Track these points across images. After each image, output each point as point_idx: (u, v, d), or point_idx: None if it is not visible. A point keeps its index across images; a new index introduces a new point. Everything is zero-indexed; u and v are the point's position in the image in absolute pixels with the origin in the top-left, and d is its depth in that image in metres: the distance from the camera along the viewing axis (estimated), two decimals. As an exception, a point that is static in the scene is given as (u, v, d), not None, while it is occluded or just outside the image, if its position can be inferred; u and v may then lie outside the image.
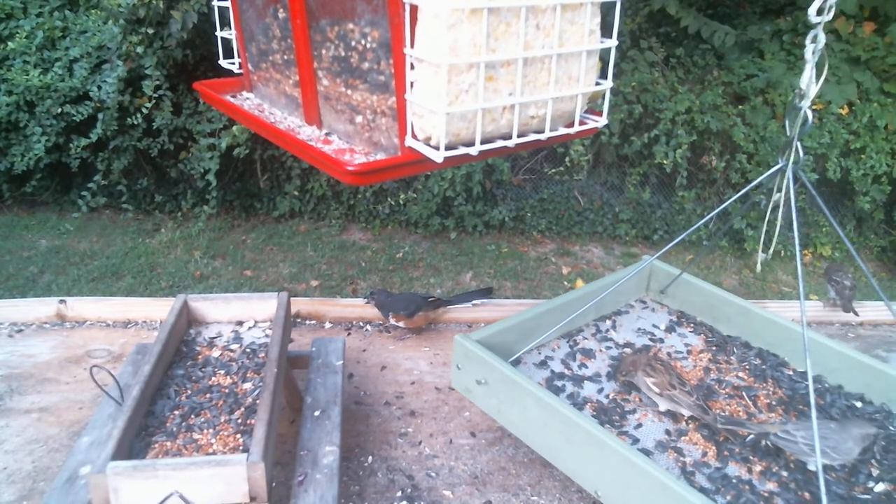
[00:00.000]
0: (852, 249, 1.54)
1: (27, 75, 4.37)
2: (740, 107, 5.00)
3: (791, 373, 1.98)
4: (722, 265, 4.97)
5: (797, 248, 1.46)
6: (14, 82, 4.34)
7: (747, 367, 1.99)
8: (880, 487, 1.55)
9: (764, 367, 1.99)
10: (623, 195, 5.27)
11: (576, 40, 1.06)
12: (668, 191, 5.24)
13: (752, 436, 1.63)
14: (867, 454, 1.62)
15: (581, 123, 1.17)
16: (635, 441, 1.64)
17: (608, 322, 2.16)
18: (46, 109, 4.40)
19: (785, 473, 1.57)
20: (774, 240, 1.90)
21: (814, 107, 5.02)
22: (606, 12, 1.09)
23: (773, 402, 1.83)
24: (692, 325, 2.20)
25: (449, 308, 2.71)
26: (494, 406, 1.73)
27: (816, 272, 4.93)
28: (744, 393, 1.85)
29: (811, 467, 1.55)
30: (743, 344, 2.11)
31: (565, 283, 4.50)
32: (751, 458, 1.61)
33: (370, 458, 1.99)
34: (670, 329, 2.16)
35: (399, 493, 1.85)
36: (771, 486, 1.53)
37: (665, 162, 4.81)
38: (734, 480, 1.53)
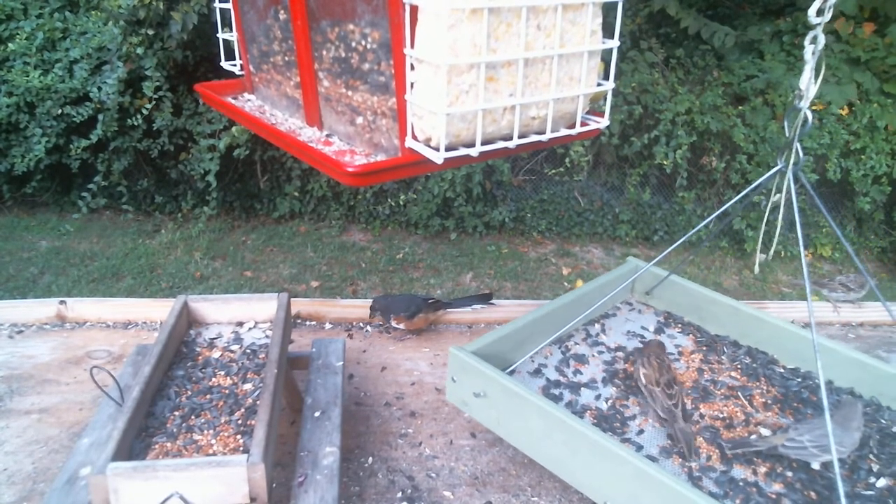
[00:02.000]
0: (851, 250, 1.54)
1: (27, 76, 4.38)
2: (740, 107, 5.00)
3: (782, 370, 1.99)
4: (722, 265, 4.97)
5: (801, 249, 1.45)
6: (14, 83, 4.35)
7: (739, 366, 1.99)
8: (882, 483, 1.56)
9: (755, 365, 2.00)
10: (623, 196, 5.28)
11: (577, 41, 1.06)
12: (668, 191, 5.25)
13: (761, 450, 1.62)
14: (864, 448, 1.63)
15: (583, 125, 1.17)
16: (639, 448, 1.63)
17: (597, 326, 2.15)
18: (47, 111, 4.40)
19: (790, 474, 1.57)
20: (775, 241, 1.91)
21: (814, 107, 5.04)
22: (608, 13, 1.09)
23: (769, 401, 1.84)
24: (680, 325, 2.20)
25: (450, 311, 2.71)
26: (493, 418, 1.69)
27: (817, 272, 4.93)
28: (739, 393, 1.86)
29: (815, 466, 1.56)
30: (732, 343, 2.12)
31: (565, 283, 4.50)
32: (755, 459, 1.61)
33: (370, 458, 1.98)
34: (659, 331, 2.16)
35: (399, 494, 1.85)
36: (777, 487, 1.53)
37: (665, 163, 4.81)
38: (741, 483, 1.53)
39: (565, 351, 1.99)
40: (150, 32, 4.18)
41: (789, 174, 1.57)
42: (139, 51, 4.21)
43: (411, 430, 2.11)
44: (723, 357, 2.03)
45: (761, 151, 4.86)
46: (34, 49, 4.51)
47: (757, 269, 1.91)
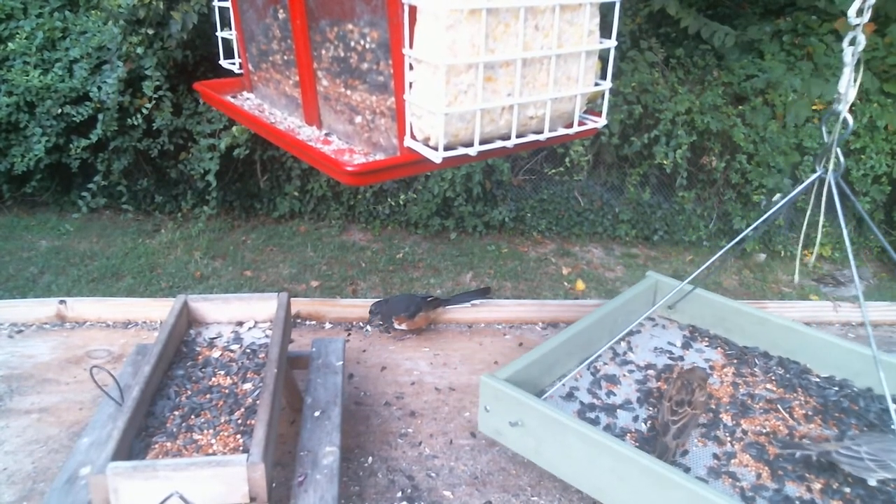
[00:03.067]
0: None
1: (27, 76, 4.38)
2: (740, 107, 5.00)
3: (817, 379, 1.94)
4: (722, 265, 4.97)
5: (852, 261, 1.42)
6: (14, 83, 4.35)
7: (773, 377, 1.94)
8: None
9: (789, 375, 1.94)
10: (623, 195, 5.28)
11: (575, 41, 1.06)
12: (668, 191, 5.25)
13: (810, 454, 1.55)
14: None
15: (580, 124, 1.17)
16: (686, 469, 1.58)
17: (623, 344, 2.09)
18: (46, 110, 4.40)
19: (847, 490, 1.50)
20: (818, 241, 1.88)
21: (814, 107, 5.04)
22: (606, 13, 1.09)
23: (809, 413, 1.79)
24: (706, 339, 2.15)
25: (448, 308, 2.72)
26: (531, 448, 1.62)
27: (816, 272, 4.93)
28: (778, 405, 1.81)
29: (871, 483, 1.49)
30: (762, 354, 2.07)
31: (565, 283, 4.50)
32: (806, 475, 1.55)
33: (370, 458, 1.99)
34: (686, 345, 2.11)
35: (399, 494, 1.85)
36: None
37: (665, 162, 4.81)
38: (797, 502, 1.47)
39: (595, 372, 1.94)
40: (150, 32, 4.18)
41: (830, 179, 1.53)
42: (139, 50, 4.21)
43: (411, 429, 2.12)
44: (755, 369, 1.99)
45: (761, 151, 4.86)
46: (34, 48, 4.51)
47: (797, 278, 1.86)
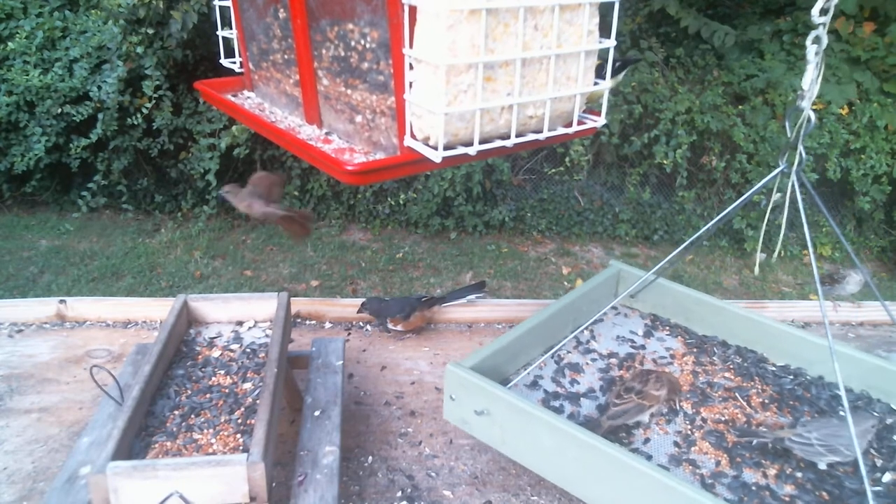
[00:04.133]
0: (850, 249, 1.54)
1: (27, 75, 4.38)
2: (740, 107, 5.00)
3: (773, 368, 1.99)
4: (722, 265, 4.97)
5: (811, 251, 1.44)
6: (14, 82, 4.35)
7: (731, 366, 1.99)
8: (888, 478, 1.57)
9: (746, 364, 2.00)
10: (623, 195, 5.28)
11: (574, 41, 1.06)
12: (668, 191, 5.25)
13: (766, 441, 1.62)
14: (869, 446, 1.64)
15: (579, 123, 1.17)
16: (648, 457, 1.60)
17: (586, 333, 2.11)
18: (46, 109, 4.40)
19: (799, 475, 1.56)
20: (780, 241, 1.90)
21: (814, 107, 5.04)
22: (605, 13, 1.09)
23: (766, 401, 1.84)
24: (668, 328, 2.18)
25: (445, 306, 2.71)
26: (497, 436, 1.62)
27: (818, 272, 4.93)
28: (736, 394, 1.86)
29: (821, 466, 1.56)
30: (721, 343, 2.11)
31: (565, 283, 4.50)
32: (763, 462, 1.60)
33: (370, 458, 1.99)
34: (648, 334, 2.14)
35: (399, 493, 1.85)
36: (789, 489, 1.53)
37: (665, 162, 4.81)
38: (753, 488, 1.52)
39: (559, 360, 1.96)
40: (150, 31, 4.17)
41: (793, 176, 1.55)
42: (139, 50, 4.21)
43: (411, 429, 2.12)
44: (714, 358, 2.03)
45: (761, 151, 4.86)
46: (34, 48, 4.51)
47: (757, 269, 1.88)
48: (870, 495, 1.27)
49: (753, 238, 4.95)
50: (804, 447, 1.54)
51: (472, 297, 2.75)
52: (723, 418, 1.76)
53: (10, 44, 4.51)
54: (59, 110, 4.42)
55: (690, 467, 1.59)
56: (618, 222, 5.20)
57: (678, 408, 1.78)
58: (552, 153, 5.11)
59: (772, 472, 1.57)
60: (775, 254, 1.81)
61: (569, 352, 2.01)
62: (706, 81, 5.09)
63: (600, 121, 1.18)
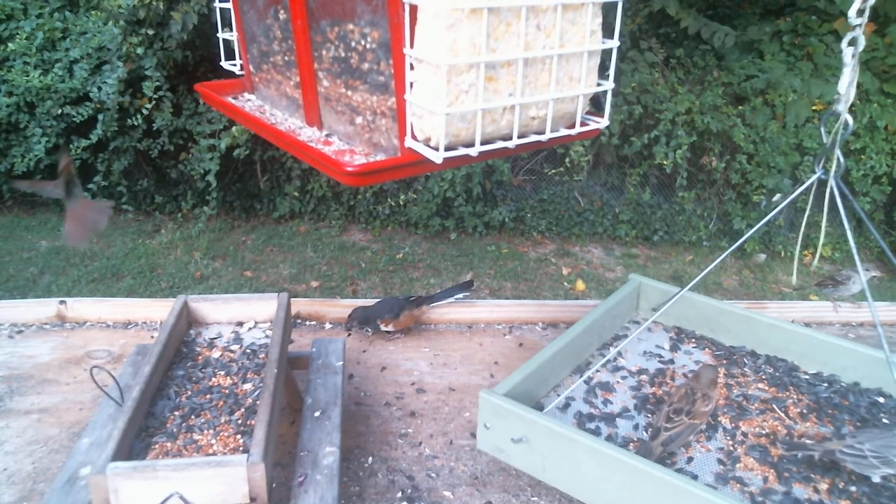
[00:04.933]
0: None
1: (27, 76, 4.38)
2: (740, 107, 5.00)
3: (806, 376, 1.94)
4: (722, 266, 4.97)
5: (857, 261, 1.40)
6: (14, 83, 4.35)
7: (763, 376, 1.93)
8: None
9: (778, 374, 1.94)
10: (623, 196, 5.28)
11: (577, 41, 1.06)
12: (668, 191, 5.25)
13: (814, 454, 1.56)
14: None
15: (582, 125, 1.17)
16: (694, 477, 1.56)
17: (612, 349, 2.05)
18: (47, 110, 4.40)
19: (853, 488, 1.51)
20: (821, 242, 1.86)
21: (814, 107, 5.04)
22: (607, 13, 1.09)
23: (804, 411, 1.79)
24: (693, 340, 2.13)
25: (433, 305, 2.70)
26: (538, 464, 1.56)
27: (818, 272, 4.93)
28: (774, 405, 1.80)
29: (875, 479, 1.50)
30: (750, 353, 2.06)
31: (565, 283, 4.50)
32: (812, 476, 1.54)
33: (370, 458, 1.98)
34: (674, 348, 2.09)
35: (399, 494, 1.85)
36: (844, 503, 1.48)
37: (665, 162, 4.81)
38: (806, 503, 1.48)
39: (588, 380, 1.90)
40: (150, 32, 4.18)
41: (832, 181, 1.52)
42: (139, 51, 4.21)
43: (411, 429, 2.11)
44: (745, 369, 1.98)
45: (761, 151, 4.86)
46: (34, 49, 4.51)
47: (795, 278, 1.84)
48: None
49: (754, 238, 4.95)
50: (856, 459, 1.48)
51: (460, 295, 2.74)
52: (763, 431, 1.71)
53: (10, 45, 4.51)
54: (60, 111, 4.42)
55: (738, 485, 1.53)
56: (618, 223, 5.20)
57: (715, 421, 1.73)
58: (552, 154, 5.11)
59: (823, 486, 1.51)
60: (815, 260, 1.79)
61: (598, 371, 1.94)
62: (706, 82, 5.10)
63: (603, 122, 1.18)
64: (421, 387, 2.33)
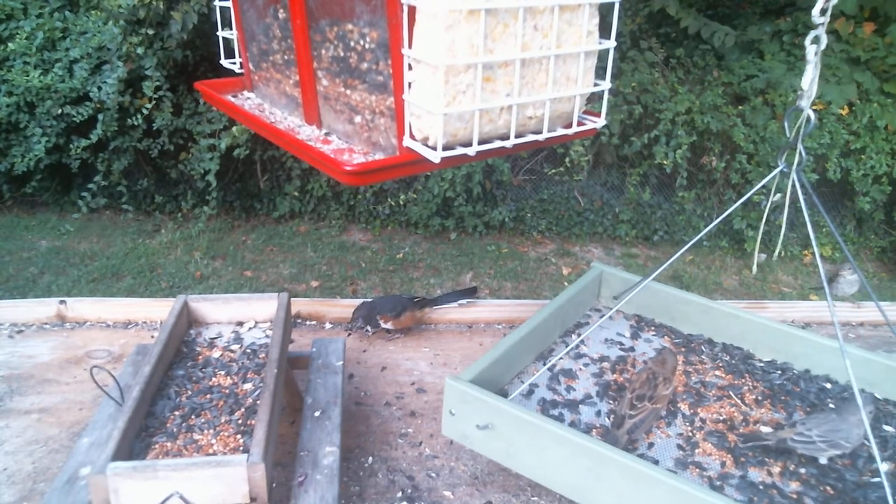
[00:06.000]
0: (846, 251, 1.54)
1: (27, 76, 4.38)
2: (740, 107, 5.00)
3: (761, 364, 2.01)
4: (722, 265, 4.97)
5: (816, 251, 1.44)
6: (14, 83, 4.35)
7: (720, 364, 2.00)
8: (885, 467, 1.58)
9: (734, 361, 2.00)
10: (623, 195, 5.28)
11: (574, 41, 1.06)
12: (668, 191, 5.25)
13: (769, 444, 1.64)
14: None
15: (579, 124, 1.17)
16: (655, 462, 1.59)
17: (573, 337, 2.09)
18: (47, 110, 4.40)
19: (803, 471, 1.58)
20: (780, 241, 1.89)
21: (814, 107, 5.03)
22: (605, 13, 1.09)
23: (759, 397, 1.86)
24: (653, 328, 2.17)
25: (437, 308, 2.71)
26: (502, 450, 1.59)
27: (817, 272, 4.93)
28: (730, 392, 1.86)
29: (822, 461, 1.59)
30: (707, 341, 2.11)
31: (565, 283, 4.50)
32: (766, 460, 1.61)
33: (370, 458, 1.99)
34: (635, 335, 2.13)
35: (399, 494, 1.85)
36: (795, 485, 1.54)
37: (665, 162, 4.81)
38: (760, 487, 1.53)
39: (552, 368, 1.93)
40: (150, 32, 4.18)
41: (793, 175, 1.55)
42: (139, 50, 4.21)
43: (411, 429, 2.12)
44: (703, 356, 2.03)
45: (761, 151, 4.86)
46: (34, 49, 4.51)
47: (755, 269, 1.87)
48: (885, 480, 1.29)
49: (753, 238, 4.95)
50: (806, 445, 1.57)
51: (464, 301, 2.76)
52: (721, 418, 1.76)
53: (10, 44, 4.51)
54: (60, 111, 4.43)
55: (697, 470, 1.58)
56: (618, 223, 5.21)
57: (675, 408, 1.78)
58: (552, 153, 5.11)
59: (776, 469, 1.59)
60: (775, 254, 1.82)
61: (561, 358, 1.97)
62: (706, 82, 5.09)
63: (600, 122, 1.18)
64: (421, 387, 2.34)
